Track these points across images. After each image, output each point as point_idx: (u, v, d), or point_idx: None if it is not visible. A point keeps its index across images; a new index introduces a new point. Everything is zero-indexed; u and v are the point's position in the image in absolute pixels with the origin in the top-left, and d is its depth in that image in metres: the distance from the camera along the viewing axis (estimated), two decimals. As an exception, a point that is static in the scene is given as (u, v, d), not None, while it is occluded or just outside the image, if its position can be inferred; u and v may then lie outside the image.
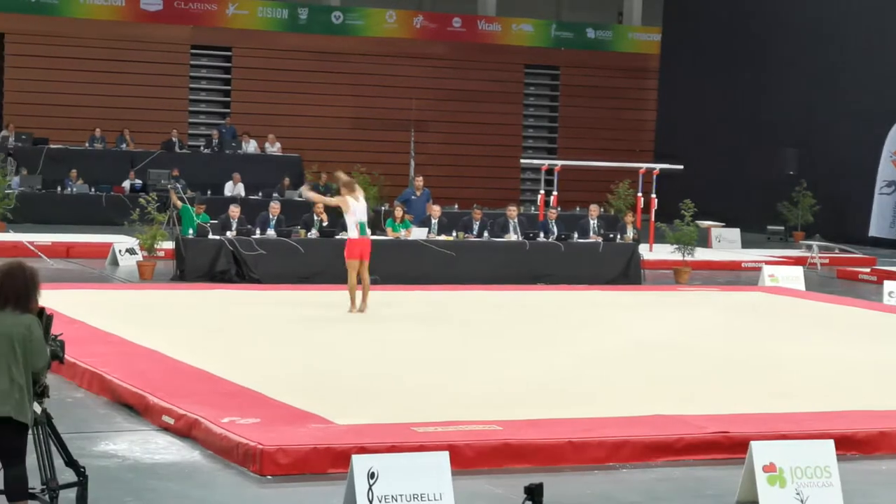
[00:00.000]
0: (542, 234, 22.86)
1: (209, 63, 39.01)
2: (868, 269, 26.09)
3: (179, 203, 24.20)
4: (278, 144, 34.77)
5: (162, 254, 21.65)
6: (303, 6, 39.43)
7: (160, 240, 21.30)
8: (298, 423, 9.93)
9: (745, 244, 31.07)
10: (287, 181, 32.08)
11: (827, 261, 27.99)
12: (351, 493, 7.86)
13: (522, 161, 36.78)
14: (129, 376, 11.51)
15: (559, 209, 25.20)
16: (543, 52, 41.88)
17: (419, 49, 40.11)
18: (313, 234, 21.41)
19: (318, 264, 20.79)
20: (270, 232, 21.11)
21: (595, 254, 22.63)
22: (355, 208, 16.80)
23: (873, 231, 33.40)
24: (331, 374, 12.48)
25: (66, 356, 7.57)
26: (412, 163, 35.74)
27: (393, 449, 8.94)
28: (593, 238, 23.16)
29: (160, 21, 37.64)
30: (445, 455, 8.14)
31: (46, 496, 7.50)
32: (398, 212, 22.79)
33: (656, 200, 28.57)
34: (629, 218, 24.60)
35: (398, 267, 21.25)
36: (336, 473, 8.88)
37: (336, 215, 25.79)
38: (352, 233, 17.00)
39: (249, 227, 21.09)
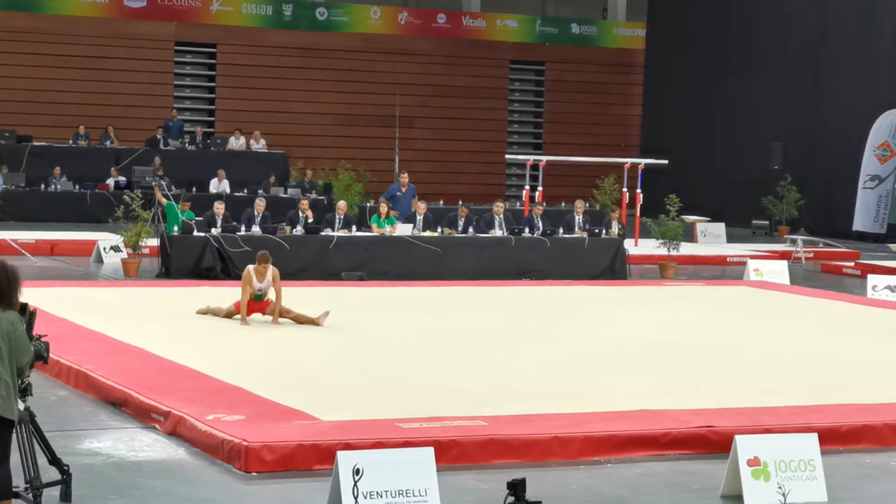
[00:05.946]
0: (527, 230, 22.89)
1: (194, 60, 38.91)
2: (852, 263, 26.18)
3: (164, 200, 24.14)
4: (263, 141, 34.70)
5: (147, 251, 21.57)
6: (287, 2, 39.36)
7: (145, 237, 21.23)
8: (283, 419, 9.92)
9: (731, 239, 31.14)
10: (273, 178, 32.03)
11: (811, 255, 28.05)
12: (336, 490, 7.87)
13: (508, 157, 36.77)
14: (113, 374, 11.49)
15: (544, 205, 25.20)
16: (528, 48, 41.86)
17: (404, 45, 40.06)
18: (299, 230, 21.40)
19: (304, 261, 20.80)
20: (256, 229, 21.08)
21: (581, 249, 22.65)
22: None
23: (857, 225, 33.49)
24: (316, 370, 12.48)
25: (50, 354, 7.57)
26: (397, 159, 35.70)
27: (378, 445, 8.94)
28: (579, 233, 23.18)
29: (144, 18, 37.52)
30: (430, 451, 8.15)
31: (30, 494, 7.50)
32: (383, 208, 22.80)
33: (642, 195, 28.64)
34: (615, 213, 24.61)
35: (383, 263, 21.30)
36: (321, 470, 8.88)
37: (321, 211, 25.84)
38: None
39: (235, 223, 21.06)
